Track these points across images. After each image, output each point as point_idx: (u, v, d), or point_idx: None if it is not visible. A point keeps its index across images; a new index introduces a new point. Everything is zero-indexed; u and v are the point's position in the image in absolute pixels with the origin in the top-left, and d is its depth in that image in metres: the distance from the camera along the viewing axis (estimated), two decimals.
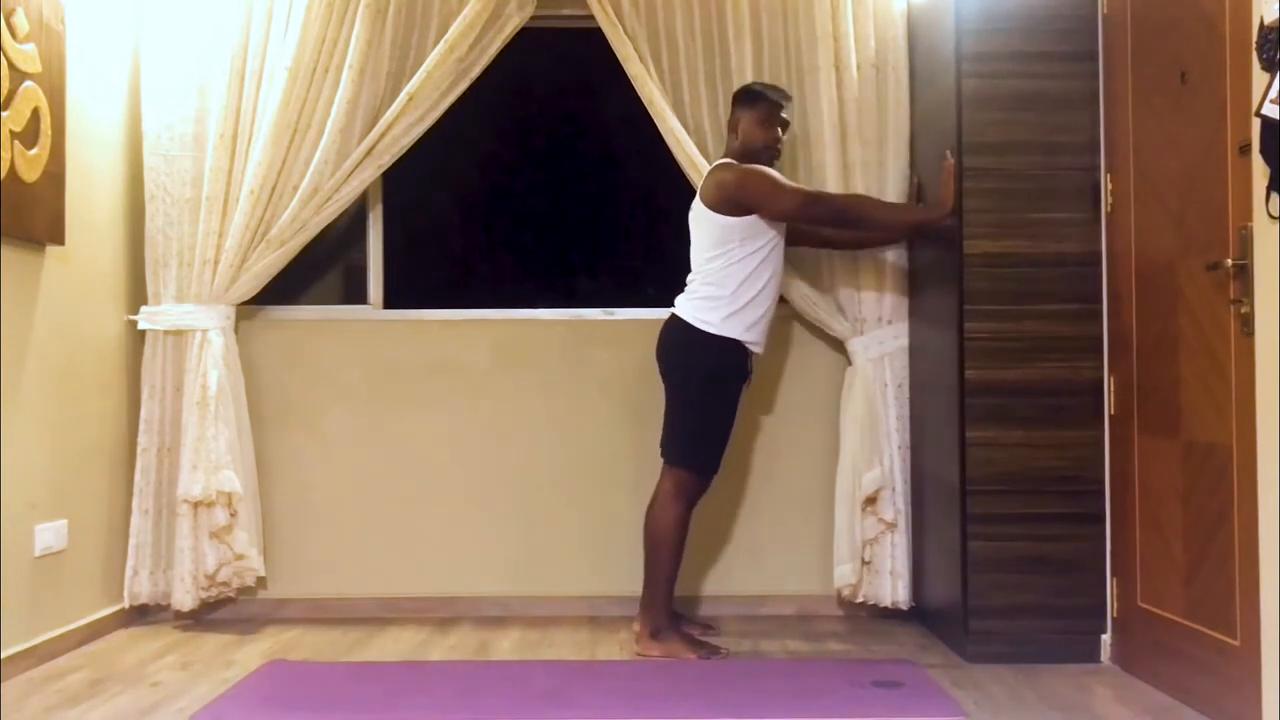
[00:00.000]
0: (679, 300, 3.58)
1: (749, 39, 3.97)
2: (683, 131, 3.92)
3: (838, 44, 3.91)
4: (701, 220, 3.56)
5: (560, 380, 4.12)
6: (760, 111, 3.56)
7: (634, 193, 4.48)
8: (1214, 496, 2.80)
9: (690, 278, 3.59)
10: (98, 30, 3.77)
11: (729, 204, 3.47)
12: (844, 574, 3.87)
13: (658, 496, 3.54)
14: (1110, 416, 3.35)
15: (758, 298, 3.49)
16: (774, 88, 3.64)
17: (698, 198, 3.60)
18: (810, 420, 4.09)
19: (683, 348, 3.53)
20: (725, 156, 3.61)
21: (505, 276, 4.49)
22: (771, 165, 3.59)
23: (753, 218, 3.46)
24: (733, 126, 3.61)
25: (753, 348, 3.54)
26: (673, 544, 3.50)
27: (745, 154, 3.56)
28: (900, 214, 3.73)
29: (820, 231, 3.80)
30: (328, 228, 4.02)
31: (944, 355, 3.56)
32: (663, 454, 3.57)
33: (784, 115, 3.60)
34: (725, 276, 3.47)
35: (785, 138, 3.64)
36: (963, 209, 3.40)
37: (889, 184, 3.90)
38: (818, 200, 3.56)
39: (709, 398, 3.52)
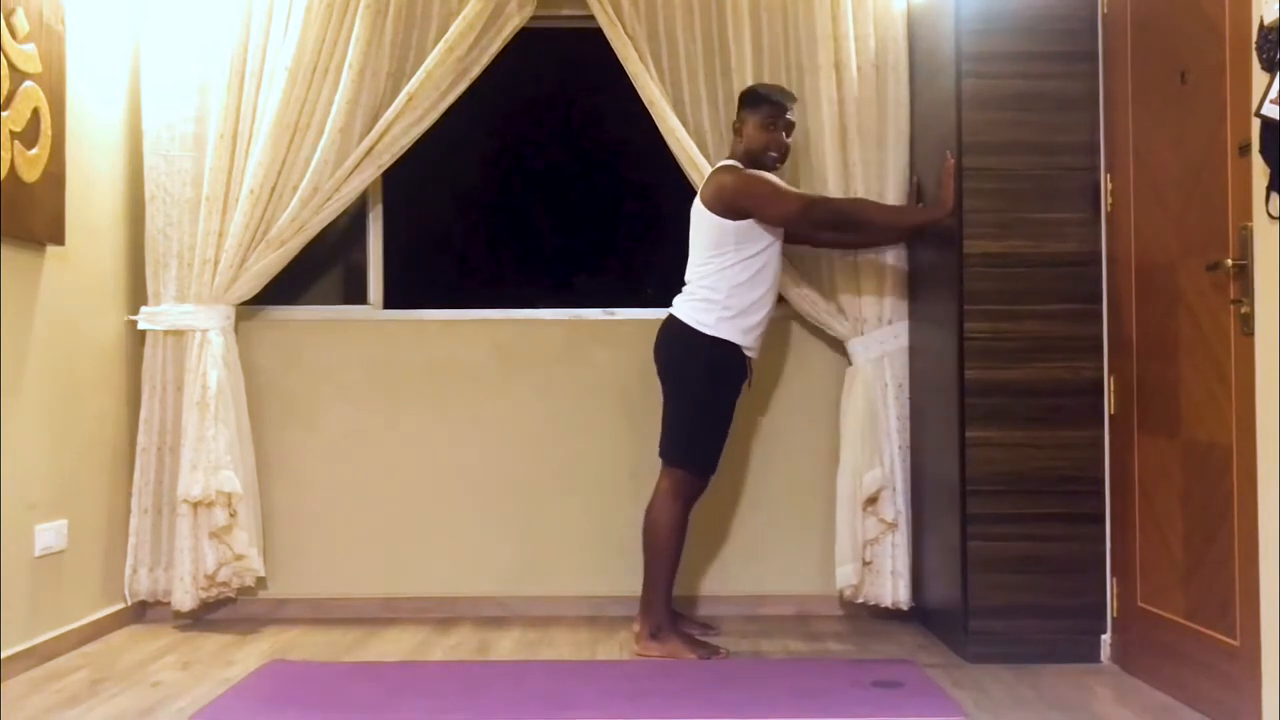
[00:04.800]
0: (676, 301, 3.58)
1: (749, 39, 3.97)
2: (683, 131, 3.92)
3: (838, 44, 3.91)
4: (700, 222, 3.55)
5: (560, 380, 4.12)
6: (762, 114, 3.54)
7: (634, 192, 4.49)
8: (1214, 496, 2.80)
9: (687, 278, 3.58)
10: (98, 30, 3.77)
11: (727, 207, 3.45)
12: (846, 574, 3.87)
13: (656, 497, 3.54)
14: (1110, 416, 3.35)
15: (754, 304, 3.49)
16: (778, 89, 3.63)
17: (698, 199, 3.59)
18: (810, 421, 4.09)
19: (679, 348, 3.53)
20: (729, 159, 3.59)
21: (505, 276, 4.49)
22: (775, 169, 3.57)
23: (749, 222, 3.45)
24: (737, 129, 3.60)
25: (748, 352, 3.54)
26: (671, 544, 3.50)
27: (749, 158, 3.54)
28: (901, 216, 3.74)
29: (819, 235, 3.79)
30: (328, 228, 4.02)
31: (944, 355, 3.56)
32: (661, 454, 3.57)
33: (788, 118, 3.58)
34: (720, 280, 3.47)
35: (791, 141, 3.62)
36: (963, 209, 3.40)
37: (889, 184, 3.90)
38: (816, 205, 3.57)
39: (705, 398, 3.52)
